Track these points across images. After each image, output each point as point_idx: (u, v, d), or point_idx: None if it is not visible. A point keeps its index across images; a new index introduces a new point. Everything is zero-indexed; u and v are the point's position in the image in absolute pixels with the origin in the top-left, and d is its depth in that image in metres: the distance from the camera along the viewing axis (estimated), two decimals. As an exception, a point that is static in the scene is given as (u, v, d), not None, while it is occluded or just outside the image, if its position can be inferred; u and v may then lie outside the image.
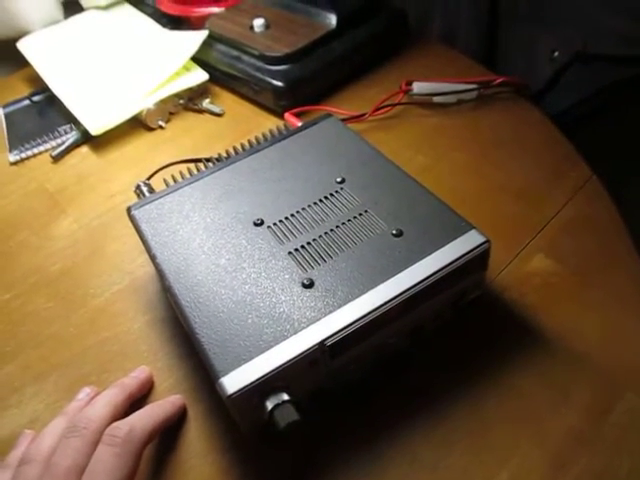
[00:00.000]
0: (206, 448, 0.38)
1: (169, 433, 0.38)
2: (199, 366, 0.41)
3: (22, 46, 0.79)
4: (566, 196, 0.50)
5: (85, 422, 0.34)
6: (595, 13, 0.67)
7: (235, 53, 0.67)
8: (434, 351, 0.40)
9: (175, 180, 0.47)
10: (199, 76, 0.69)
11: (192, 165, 0.49)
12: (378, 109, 0.60)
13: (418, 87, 0.61)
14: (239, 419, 0.34)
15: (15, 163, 0.67)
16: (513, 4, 0.78)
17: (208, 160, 0.50)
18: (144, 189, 0.48)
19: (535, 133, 0.57)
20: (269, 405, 0.32)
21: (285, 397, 0.32)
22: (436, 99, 0.61)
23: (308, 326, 0.34)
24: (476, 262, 0.37)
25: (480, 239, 0.37)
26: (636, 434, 0.34)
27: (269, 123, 0.65)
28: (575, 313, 0.41)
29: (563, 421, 0.36)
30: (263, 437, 0.35)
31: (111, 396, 0.37)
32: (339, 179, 0.43)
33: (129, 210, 0.44)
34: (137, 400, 0.40)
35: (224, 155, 0.49)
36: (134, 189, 0.49)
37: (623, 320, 0.40)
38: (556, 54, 0.74)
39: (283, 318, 0.34)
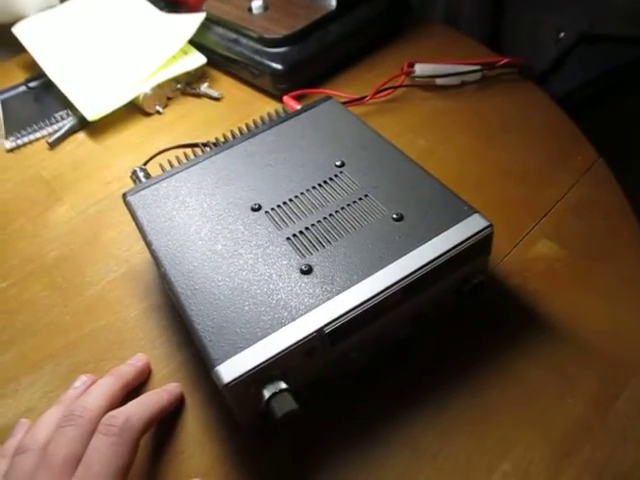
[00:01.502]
0: (203, 437, 0.37)
1: (166, 421, 0.38)
2: (197, 354, 0.40)
3: (18, 31, 0.77)
4: (571, 179, 0.48)
5: (81, 411, 0.34)
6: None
7: (233, 36, 0.66)
8: (436, 338, 0.39)
9: (171, 165, 0.46)
10: (197, 60, 0.68)
11: (189, 150, 0.48)
12: (379, 92, 0.58)
13: (420, 69, 0.60)
14: (236, 408, 0.33)
15: (11, 150, 0.66)
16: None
17: (205, 145, 0.49)
18: (140, 174, 0.47)
19: (540, 115, 0.56)
20: (266, 394, 0.31)
21: (283, 386, 0.32)
22: (439, 81, 0.60)
23: (306, 313, 0.33)
24: (479, 247, 0.36)
25: (483, 223, 0.36)
26: (643, 422, 0.34)
27: (268, 107, 0.63)
28: (580, 299, 0.40)
29: (567, 409, 0.35)
30: (261, 426, 0.35)
31: (107, 384, 0.37)
32: (338, 163, 0.42)
33: (124, 196, 0.43)
34: (134, 388, 0.39)
35: (221, 139, 0.48)
36: (130, 174, 0.48)
37: (629, 305, 0.39)
38: (562, 35, 0.73)
39: (281, 305, 0.33)
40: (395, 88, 0.59)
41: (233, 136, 0.48)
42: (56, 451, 0.32)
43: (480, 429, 0.35)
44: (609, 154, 0.51)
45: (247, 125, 0.48)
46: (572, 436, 0.34)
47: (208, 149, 0.47)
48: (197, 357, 0.41)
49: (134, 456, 0.32)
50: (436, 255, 0.34)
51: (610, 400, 0.35)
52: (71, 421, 0.33)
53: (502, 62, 0.59)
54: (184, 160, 0.46)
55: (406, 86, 0.60)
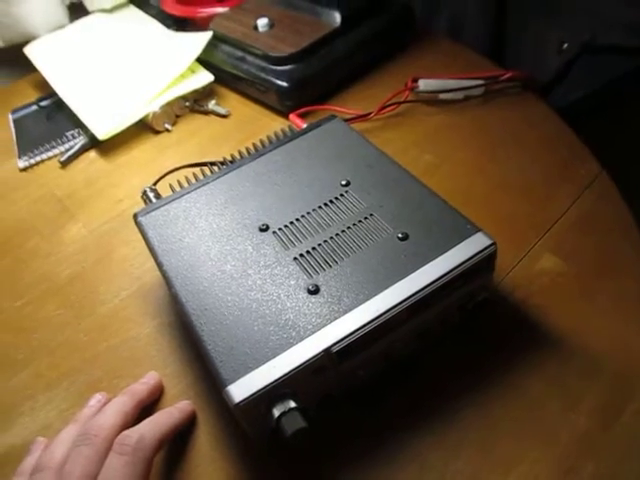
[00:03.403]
0: (215, 454, 0.38)
1: (179, 438, 0.39)
2: (208, 371, 0.41)
3: (29, 51, 0.79)
4: (574, 193, 0.49)
5: (96, 430, 0.35)
6: (604, 4, 0.66)
7: (239, 54, 0.67)
8: (443, 355, 0.40)
9: (181, 185, 0.47)
10: (204, 78, 0.69)
11: (198, 169, 0.49)
12: (384, 107, 0.59)
13: (424, 84, 0.61)
14: (246, 426, 0.34)
15: (24, 169, 0.67)
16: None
17: (213, 164, 0.50)
18: (150, 195, 0.48)
19: (543, 128, 0.57)
20: (276, 413, 0.32)
21: (292, 404, 0.32)
22: (443, 96, 0.61)
23: (314, 333, 0.34)
24: (482, 265, 0.37)
25: (486, 242, 0.36)
26: (647, 437, 0.34)
27: (275, 123, 0.65)
28: (584, 313, 0.41)
29: (571, 424, 0.35)
30: (272, 443, 0.36)
31: (121, 403, 0.38)
32: (344, 182, 0.43)
33: (135, 217, 0.45)
34: (147, 406, 0.40)
35: (229, 159, 0.49)
36: (141, 195, 0.49)
37: (632, 319, 0.40)
38: (565, 46, 0.73)
39: (289, 325, 0.34)
40: (400, 104, 0.60)
41: (241, 156, 0.49)
42: (72, 470, 0.33)
43: (486, 444, 0.35)
44: (612, 163, 0.51)
45: (254, 145, 0.49)
46: (576, 451, 0.34)
47: (216, 169, 0.48)
48: (208, 374, 0.41)
49: (148, 474, 0.33)
50: (440, 274, 0.35)
51: (614, 415, 0.35)
52: (86, 440, 0.34)
53: (505, 76, 0.60)
54: (193, 180, 0.47)
55: (410, 101, 0.61)
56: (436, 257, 0.36)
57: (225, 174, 0.46)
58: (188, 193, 0.45)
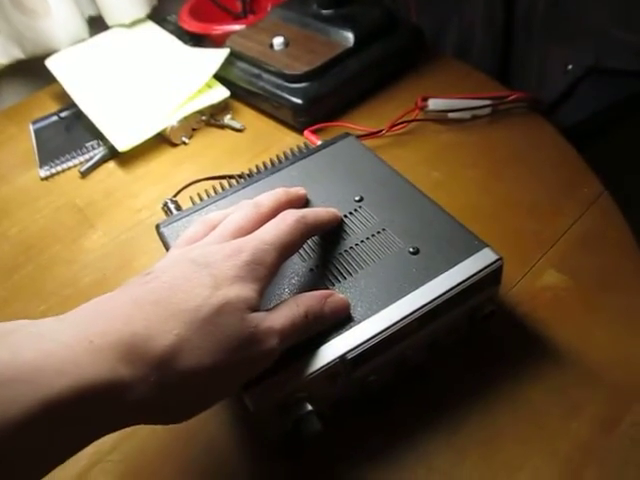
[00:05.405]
0: (229, 454, 0.40)
1: (195, 438, 0.41)
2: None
3: (50, 64, 0.82)
4: (578, 211, 0.51)
5: None
6: (607, 29, 0.68)
7: (255, 71, 0.70)
8: (450, 363, 0.42)
9: (201, 198, 0.49)
10: (220, 93, 0.72)
11: (216, 182, 0.51)
12: (394, 125, 0.61)
13: (433, 104, 0.63)
14: (264, 429, 0.36)
15: (46, 178, 0.69)
16: (527, 18, 0.80)
17: (231, 177, 0.52)
18: (171, 206, 0.50)
19: (548, 148, 0.59)
20: (293, 416, 0.34)
21: (308, 408, 0.34)
22: (451, 115, 0.63)
23: (329, 341, 0.36)
24: (489, 279, 0.39)
25: (493, 257, 0.38)
26: (644, 445, 0.36)
27: (288, 138, 0.67)
28: (585, 328, 0.43)
29: (573, 431, 0.37)
30: (282, 446, 0.38)
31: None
32: (357, 198, 0.45)
33: (158, 227, 0.47)
34: None
35: (246, 173, 0.51)
36: (162, 206, 0.51)
37: (632, 333, 0.42)
38: (570, 67, 0.76)
39: (306, 333, 0.36)
40: (409, 122, 0.62)
41: (258, 170, 0.51)
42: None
43: (491, 450, 0.37)
44: (615, 184, 0.54)
45: (271, 160, 0.52)
46: (577, 459, 0.36)
47: (234, 182, 0.51)
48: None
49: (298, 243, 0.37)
50: (449, 287, 0.37)
51: (613, 425, 0.37)
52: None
53: (511, 98, 0.62)
54: (212, 193, 0.50)
55: (420, 120, 0.63)
56: (445, 271, 0.38)
57: (243, 188, 0.48)
58: (208, 205, 0.47)
